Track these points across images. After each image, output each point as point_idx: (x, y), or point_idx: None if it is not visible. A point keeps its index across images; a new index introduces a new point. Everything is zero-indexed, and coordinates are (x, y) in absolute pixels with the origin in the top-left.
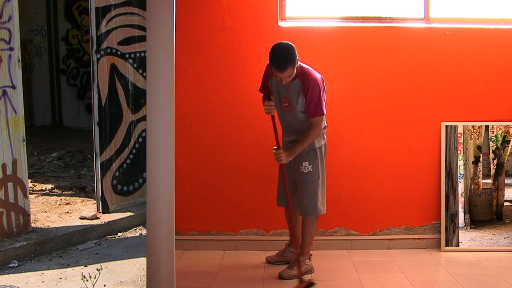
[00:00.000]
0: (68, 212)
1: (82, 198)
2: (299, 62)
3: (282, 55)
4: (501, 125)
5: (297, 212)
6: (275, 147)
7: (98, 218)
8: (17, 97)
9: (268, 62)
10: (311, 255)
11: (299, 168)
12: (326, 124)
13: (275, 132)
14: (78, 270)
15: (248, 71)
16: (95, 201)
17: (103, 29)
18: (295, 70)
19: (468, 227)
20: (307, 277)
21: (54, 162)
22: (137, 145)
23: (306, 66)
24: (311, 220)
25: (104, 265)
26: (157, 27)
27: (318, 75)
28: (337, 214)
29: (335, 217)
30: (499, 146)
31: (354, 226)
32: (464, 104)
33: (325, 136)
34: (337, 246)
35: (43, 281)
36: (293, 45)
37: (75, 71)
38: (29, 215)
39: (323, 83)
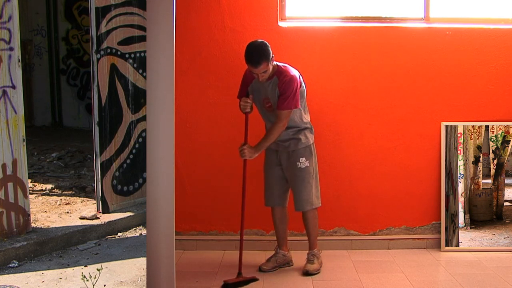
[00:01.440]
0: (68, 212)
1: (82, 198)
2: (275, 62)
3: (255, 51)
4: (501, 125)
5: (286, 211)
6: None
7: (98, 218)
8: (17, 97)
9: (246, 68)
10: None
11: (297, 164)
12: (309, 120)
13: (246, 128)
14: (78, 270)
15: None
16: (95, 201)
17: (103, 29)
18: (270, 66)
19: (468, 227)
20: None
21: (54, 162)
22: (137, 145)
23: (283, 64)
24: (313, 213)
25: (104, 265)
26: (157, 27)
27: (295, 72)
28: (337, 214)
29: (335, 217)
30: (499, 146)
31: (354, 226)
32: (464, 104)
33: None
34: (337, 246)
35: (43, 281)
36: (266, 42)
37: (75, 71)
38: (29, 215)
39: (300, 79)
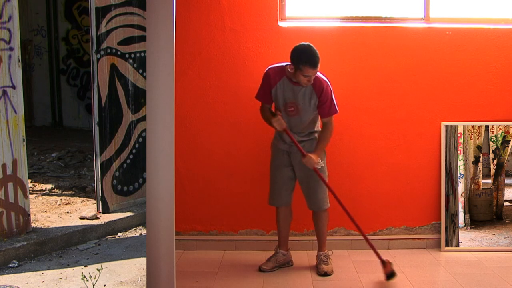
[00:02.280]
0: (68, 212)
1: (82, 198)
2: None
3: (314, 52)
4: (501, 125)
5: (291, 210)
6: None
7: (98, 218)
8: (17, 97)
9: (267, 70)
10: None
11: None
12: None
13: (295, 142)
14: (78, 270)
15: (248, 71)
16: (95, 201)
17: (103, 29)
18: None
19: (468, 227)
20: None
21: (54, 162)
22: (137, 145)
23: None
24: (326, 213)
25: (104, 265)
26: (157, 27)
27: (324, 77)
28: (337, 214)
29: (335, 217)
30: (499, 146)
31: (354, 226)
32: (464, 104)
33: None
34: (337, 246)
35: (43, 281)
36: None
37: (75, 71)
38: (29, 215)
39: None
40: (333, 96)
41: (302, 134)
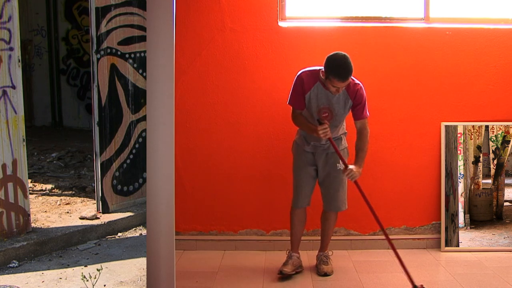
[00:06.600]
0: (68, 212)
1: (82, 198)
2: None
3: (347, 65)
4: (501, 125)
5: (305, 212)
6: (342, 166)
7: (98, 218)
8: (17, 97)
9: (300, 74)
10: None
11: (337, 165)
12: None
13: (338, 153)
14: (78, 270)
15: (248, 71)
16: (95, 201)
17: (103, 29)
18: None
19: (468, 227)
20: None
21: (54, 162)
22: (137, 145)
23: None
24: (336, 215)
25: (104, 265)
26: (157, 27)
27: (359, 81)
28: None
29: None
30: (499, 146)
31: (354, 226)
32: (464, 104)
33: None
34: (337, 246)
35: (43, 281)
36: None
37: (75, 71)
38: (29, 215)
39: None
40: (366, 99)
41: (333, 134)
